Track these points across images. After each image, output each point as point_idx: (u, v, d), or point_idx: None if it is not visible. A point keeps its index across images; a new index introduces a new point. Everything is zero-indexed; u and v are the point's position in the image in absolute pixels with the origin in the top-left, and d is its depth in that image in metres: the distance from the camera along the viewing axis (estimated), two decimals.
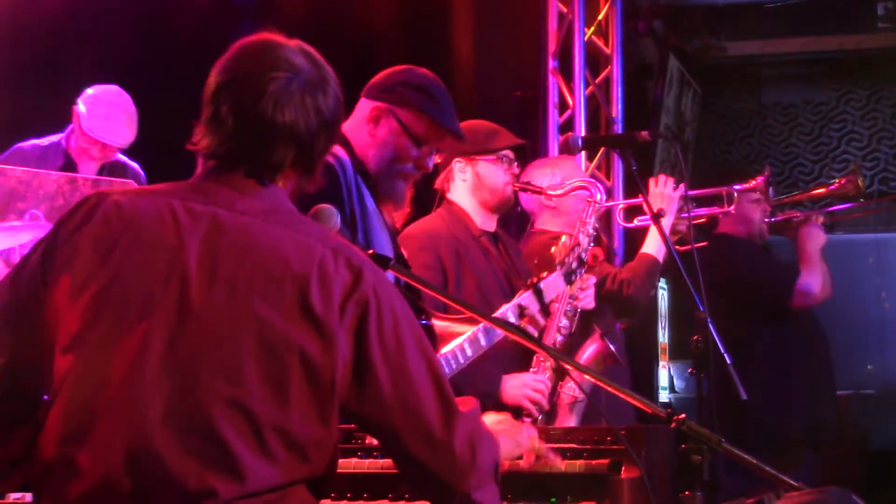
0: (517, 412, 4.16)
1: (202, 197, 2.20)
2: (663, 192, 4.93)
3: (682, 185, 4.89)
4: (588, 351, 4.61)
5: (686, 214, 4.87)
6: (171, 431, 2.05)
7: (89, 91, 5.59)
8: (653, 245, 4.87)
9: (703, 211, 4.87)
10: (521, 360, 4.33)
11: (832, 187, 5.91)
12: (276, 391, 2.09)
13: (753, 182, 5.19)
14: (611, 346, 4.59)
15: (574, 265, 3.96)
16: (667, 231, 4.77)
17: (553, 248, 4.02)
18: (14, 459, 2.22)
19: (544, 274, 3.81)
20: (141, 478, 2.04)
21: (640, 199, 5.00)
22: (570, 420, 4.40)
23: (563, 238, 4.08)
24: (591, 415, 4.44)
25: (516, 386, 4.19)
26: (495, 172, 4.41)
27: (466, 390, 4.05)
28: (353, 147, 3.52)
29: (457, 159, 4.43)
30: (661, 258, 4.85)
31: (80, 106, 5.54)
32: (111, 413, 2.07)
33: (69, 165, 5.53)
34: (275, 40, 2.28)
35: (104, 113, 5.54)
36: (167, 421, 2.05)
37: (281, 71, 2.23)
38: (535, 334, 3.75)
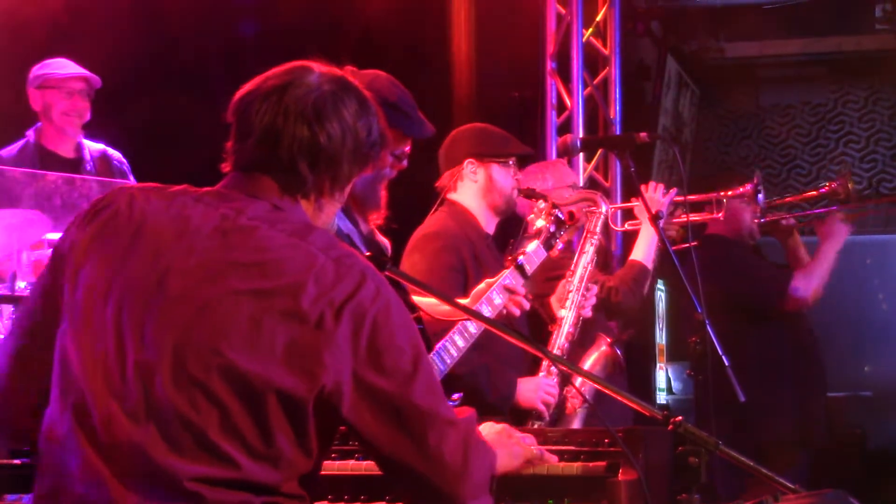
0: (524, 414, 4.22)
1: (215, 200, 2.24)
2: (653, 196, 4.92)
3: (672, 191, 4.86)
4: (593, 356, 4.62)
5: (677, 220, 4.85)
6: (153, 425, 2.09)
7: (34, 70, 5.66)
8: (641, 251, 4.85)
9: (694, 217, 4.82)
10: (531, 365, 4.35)
11: (822, 190, 5.92)
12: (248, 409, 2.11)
13: (741, 189, 5.18)
14: (618, 352, 4.60)
15: (552, 229, 3.98)
16: (651, 238, 4.77)
17: (529, 216, 4.03)
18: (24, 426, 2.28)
19: (524, 246, 3.84)
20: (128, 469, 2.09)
21: (634, 203, 4.99)
22: (573, 423, 4.41)
23: (540, 203, 4.08)
24: (592, 418, 4.46)
25: (531, 389, 4.23)
26: (506, 176, 4.45)
27: (488, 394, 4.10)
28: None
29: (469, 160, 4.44)
30: (649, 264, 4.83)
31: (42, 70, 5.60)
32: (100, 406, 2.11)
33: (46, 157, 5.55)
34: (303, 64, 2.32)
35: (59, 62, 5.63)
36: (150, 414, 2.10)
37: (291, 98, 2.26)
38: (520, 312, 3.80)
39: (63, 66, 5.61)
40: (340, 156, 2.28)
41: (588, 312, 4.49)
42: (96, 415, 2.11)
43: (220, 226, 2.19)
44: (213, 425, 2.08)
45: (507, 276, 3.76)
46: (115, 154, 5.79)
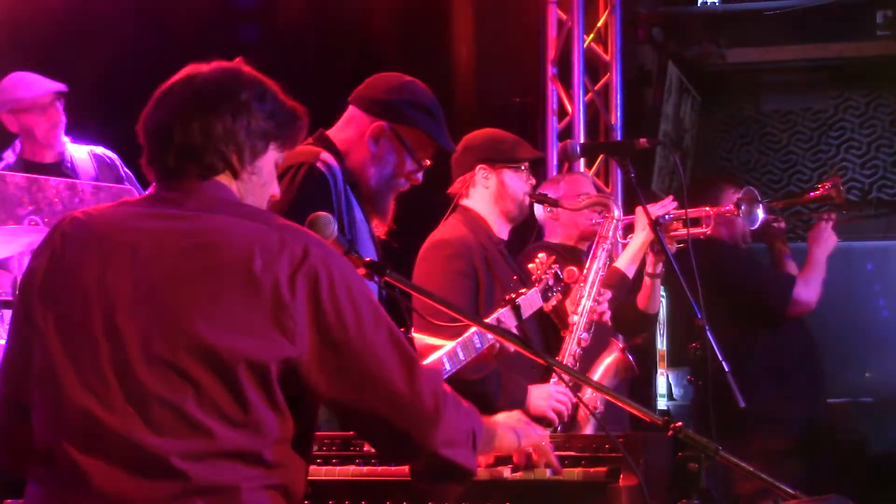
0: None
1: (152, 201, 2.35)
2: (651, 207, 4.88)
3: (667, 204, 4.82)
4: (606, 361, 4.61)
5: (673, 233, 4.83)
6: (133, 411, 2.16)
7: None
8: (625, 259, 4.83)
9: (682, 233, 4.80)
10: (543, 372, 4.34)
11: (816, 194, 5.92)
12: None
13: (723, 209, 5.22)
14: (630, 358, 4.60)
15: (550, 282, 3.98)
16: (638, 248, 4.78)
17: (530, 265, 4.04)
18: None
19: (523, 290, 3.83)
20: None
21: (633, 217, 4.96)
22: (585, 429, 4.41)
23: (541, 255, 4.08)
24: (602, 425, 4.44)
25: (542, 397, 4.23)
26: (518, 182, 4.44)
27: (498, 398, 4.09)
28: (347, 159, 3.55)
29: (480, 166, 4.43)
30: (630, 273, 4.82)
31: (9, 95, 5.58)
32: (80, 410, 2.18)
33: (30, 168, 5.55)
34: (192, 65, 2.42)
35: (22, 80, 5.59)
36: (129, 402, 2.17)
37: (175, 94, 2.37)
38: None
39: (29, 85, 5.58)
40: (233, 131, 2.34)
41: (606, 318, 4.50)
42: (76, 415, 2.17)
43: (163, 220, 2.27)
44: (190, 400, 2.15)
45: (503, 314, 3.75)
46: (99, 150, 5.79)
